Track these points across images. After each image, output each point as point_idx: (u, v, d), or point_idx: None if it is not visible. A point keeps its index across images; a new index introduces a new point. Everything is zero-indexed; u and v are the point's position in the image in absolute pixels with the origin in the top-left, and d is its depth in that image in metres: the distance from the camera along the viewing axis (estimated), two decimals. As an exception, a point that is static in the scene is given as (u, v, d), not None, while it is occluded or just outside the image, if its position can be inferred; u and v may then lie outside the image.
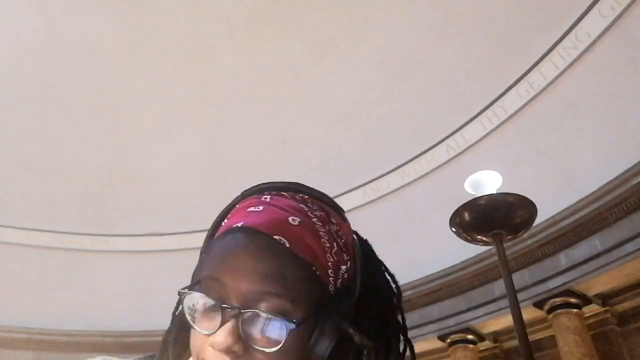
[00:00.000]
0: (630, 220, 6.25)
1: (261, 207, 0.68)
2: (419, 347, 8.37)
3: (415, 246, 8.75)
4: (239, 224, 0.66)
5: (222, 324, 0.60)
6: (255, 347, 0.60)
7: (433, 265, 8.21)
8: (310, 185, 0.75)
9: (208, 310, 0.62)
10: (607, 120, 6.84)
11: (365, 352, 0.67)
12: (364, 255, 0.74)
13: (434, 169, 8.91)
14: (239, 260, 0.62)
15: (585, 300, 6.71)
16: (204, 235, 0.76)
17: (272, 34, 9.99)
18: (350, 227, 0.74)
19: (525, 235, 5.28)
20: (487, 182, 4.32)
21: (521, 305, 4.25)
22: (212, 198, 11.38)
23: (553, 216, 6.87)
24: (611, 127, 6.78)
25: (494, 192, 4.24)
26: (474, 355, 7.82)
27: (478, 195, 4.18)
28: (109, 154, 11.15)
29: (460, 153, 8.58)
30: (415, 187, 9.14)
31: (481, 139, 8.33)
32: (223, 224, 0.71)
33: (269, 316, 0.60)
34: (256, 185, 0.74)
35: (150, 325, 9.74)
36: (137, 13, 10.12)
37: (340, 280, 0.69)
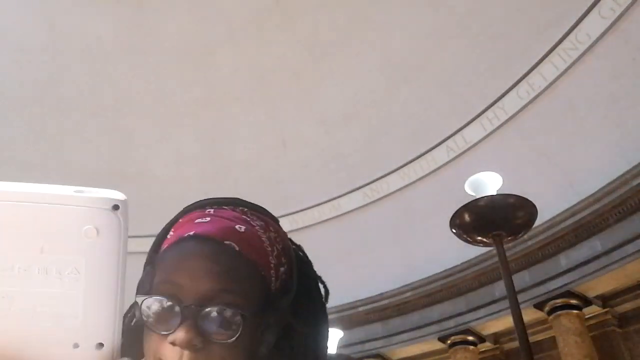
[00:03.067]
0: (630, 222, 6.25)
1: (208, 219, 0.75)
2: (419, 348, 8.37)
3: (416, 247, 8.74)
4: (191, 233, 0.73)
5: (182, 321, 0.66)
6: (214, 340, 0.67)
7: (433, 267, 8.20)
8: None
9: (163, 313, 0.67)
10: (607, 122, 6.84)
11: (303, 337, 0.76)
12: (298, 258, 0.82)
13: (434, 170, 8.91)
14: (194, 264, 0.69)
15: (586, 301, 6.71)
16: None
17: (272, 36, 10.00)
18: (286, 234, 0.82)
19: (525, 236, 5.27)
20: (487, 183, 4.32)
21: (521, 306, 4.24)
22: (213, 199, 11.37)
23: (553, 217, 6.86)
24: (611, 128, 6.78)
25: (494, 193, 4.24)
26: (475, 356, 7.81)
27: (478, 197, 4.17)
28: (109, 155, 11.16)
29: (461, 154, 8.58)
30: (416, 189, 9.14)
31: (481, 140, 8.33)
32: (169, 236, 0.78)
33: (225, 310, 0.67)
34: (198, 201, 0.81)
35: (151, 326, 9.74)
36: (137, 15, 10.14)
37: (280, 280, 0.77)
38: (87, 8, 9.98)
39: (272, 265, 0.75)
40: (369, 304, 8.82)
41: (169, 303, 0.67)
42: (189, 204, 0.82)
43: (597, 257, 6.49)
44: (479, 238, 4.19)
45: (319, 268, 0.84)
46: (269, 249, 0.76)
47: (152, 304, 0.68)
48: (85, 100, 10.70)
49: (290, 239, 0.84)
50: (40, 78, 10.38)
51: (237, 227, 0.74)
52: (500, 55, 8.07)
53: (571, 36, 7.16)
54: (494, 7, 7.99)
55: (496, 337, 7.93)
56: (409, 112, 9.25)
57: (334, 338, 6.91)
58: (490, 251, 6.80)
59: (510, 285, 3.97)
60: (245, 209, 0.79)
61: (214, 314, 0.67)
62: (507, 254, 4.43)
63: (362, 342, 8.68)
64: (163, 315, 0.67)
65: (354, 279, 9.20)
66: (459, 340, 7.82)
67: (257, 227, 0.76)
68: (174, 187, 11.00)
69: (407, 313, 8.54)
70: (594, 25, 6.89)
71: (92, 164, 11.06)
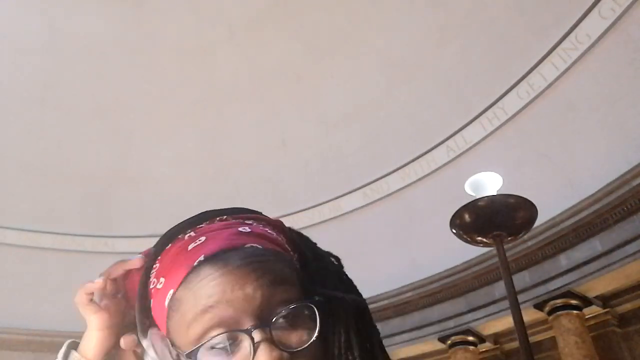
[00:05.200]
0: (630, 222, 6.24)
1: (203, 238, 0.64)
2: (419, 348, 8.36)
3: (416, 248, 8.74)
4: (201, 258, 0.61)
5: (257, 348, 0.56)
6: (297, 348, 0.58)
7: (433, 267, 8.20)
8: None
9: (221, 350, 0.57)
10: (607, 122, 6.84)
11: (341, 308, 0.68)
12: (305, 243, 0.75)
13: (435, 170, 8.91)
14: (235, 278, 0.58)
15: (586, 301, 6.70)
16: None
17: (273, 36, 10.00)
18: (285, 227, 0.74)
19: (525, 236, 5.27)
20: (487, 184, 4.32)
21: (522, 306, 4.24)
22: (213, 199, 11.37)
23: (553, 217, 6.86)
24: (611, 128, 6.78)
25: (495, 193, 4.24)
26: (475, 357, 7.81)
27: (478, 197, 4.17)
28: (110, 155, 11.16)
29: (461, 154, 8.58)
30: (416, 189, 9.14)
31: (481, 140, 8.33)
32: (159, 285, 0.65)
33: (294, 309, 0.58)
34: (171, 231, 0.70)
35: (151, 326, 9.72)
36: (138, 15, 10.14)
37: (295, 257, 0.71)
38: (87, 8, 9.99)
39: (290, 252, 0.69)
40: (369, 304, 8.67)
41: (233, 335, 0.57)
42: (174, 226, 0.71)
43: (597, 257, 6.48)
44: (479, 238, 4.19)
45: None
46: (280, 237, 0.70)
47: (209, 349, 0.57)
48: (85, 100, 10.70)
49: (291, 229, 0.77)
50: (40, 78, 10.38)
51: (240, 229, 0.65)
52: (500, 55, 8.06)
53: (571, 36, 7.15)
54: (494, 7, 7.99)
55: (496, 337, 7.93)
56: (409, 112, 9.25)
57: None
58: (490, 251, 6.79)
59: (510, 286, 3.97)
60: (224, 217, 0.69)
61: (283, 319, 0.58)
62: (507, 254, 4.43)
63: (362, 342, 8.66)
64: (218, 355, 0.57)
65: (353, 279, 9.17)
66: (459, 340, 7.81)
67: (259, 225, 0.69)
68: (174, 187, 11.00)
69: (407, 313, 8.52)
70: (594, 25, 6.89)
71: (92, 164, 11.06)
